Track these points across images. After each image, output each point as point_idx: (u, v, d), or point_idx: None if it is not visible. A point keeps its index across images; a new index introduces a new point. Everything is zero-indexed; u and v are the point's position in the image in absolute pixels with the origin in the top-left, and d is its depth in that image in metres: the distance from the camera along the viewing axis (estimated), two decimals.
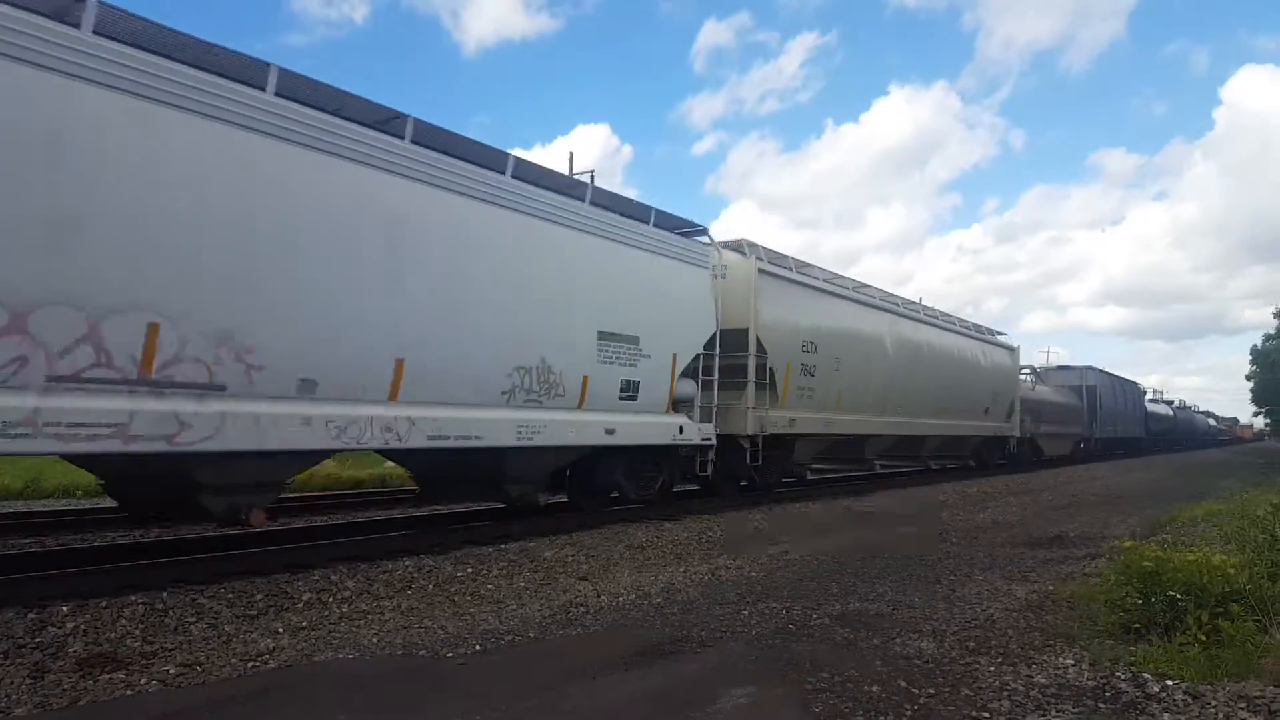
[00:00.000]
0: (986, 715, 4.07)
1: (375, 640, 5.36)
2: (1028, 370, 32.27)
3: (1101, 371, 39.43)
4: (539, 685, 4.44)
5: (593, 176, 11.57)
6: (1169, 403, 65.17)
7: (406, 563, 7.47)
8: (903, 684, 4.51)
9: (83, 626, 5.22)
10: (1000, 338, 24.77)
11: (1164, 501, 15.06)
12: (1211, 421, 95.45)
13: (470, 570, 7.43)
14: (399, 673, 4.72)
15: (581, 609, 6.26)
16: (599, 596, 6.66)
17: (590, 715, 4.02)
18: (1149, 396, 53.96)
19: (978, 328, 23.13)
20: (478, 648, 5.20)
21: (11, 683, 4.35)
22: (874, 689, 4.42)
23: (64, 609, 5.46)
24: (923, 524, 11.92)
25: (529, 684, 4.46)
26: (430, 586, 6.89)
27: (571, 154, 16.77)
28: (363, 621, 5.83)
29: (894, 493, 16.44)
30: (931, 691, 4.40)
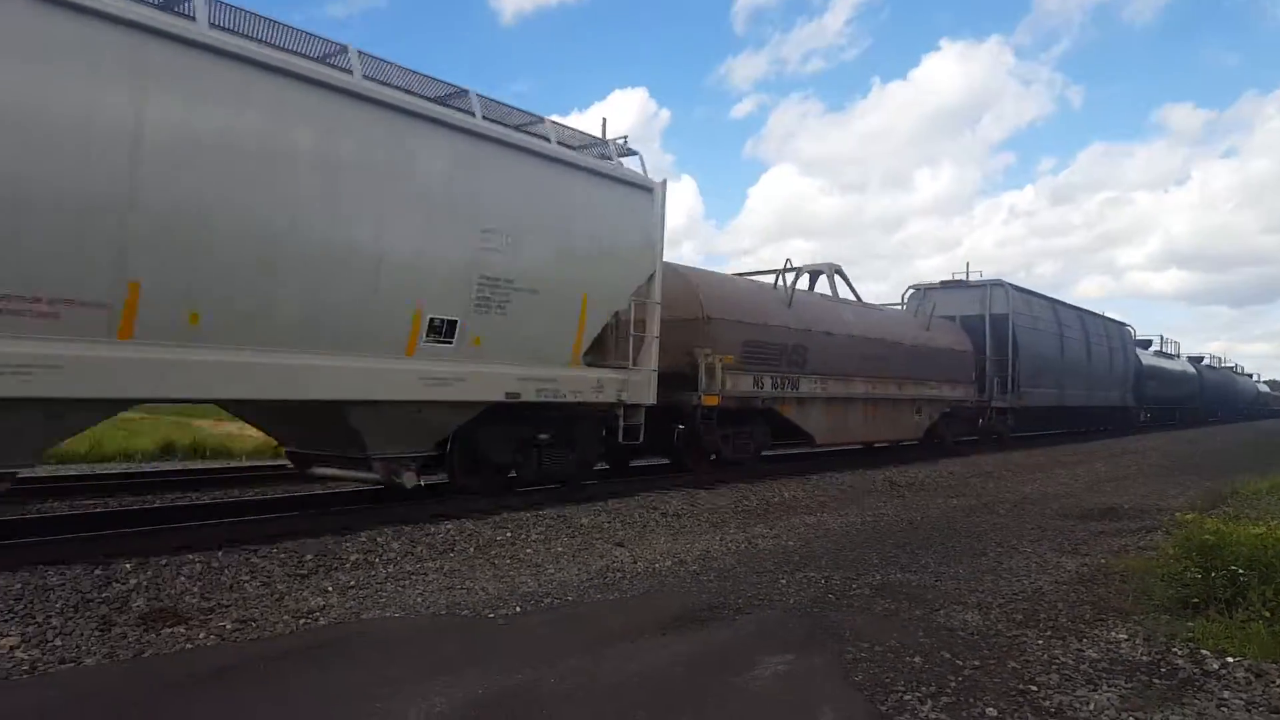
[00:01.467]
0: (1034, 689, 4.00)
1: (420, 600, 5.46)
2: (828, 270, 16.23)
3: (1025, 292, 22.72)
4: (578, 647, 4.48)
5: (626, 140, 10.63)
6: (1196, 359, 47.92)
7: (448, 526, 7.60)
8: (946, 655, 4.46)
9: (144, 583, 5.42)
10: (618, 163, 9.74)
11: (1226, 473, 14.60)
12: (1263, 387, 76.76)
13: (509, 534, 7.52)
14: (443, 631, 4.81)
15: (618, 574, 6.30)
16: (635, 563, 6.70)
17: (628, 678, 4.04)
18: (1154, 348, 39.03)
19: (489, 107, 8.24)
20: (518, 609, 5.27)
21: (81, 634, 4.53)
22: (916, 660, 4.37)
23: (127, 566, 5.66)
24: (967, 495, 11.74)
25: (568, 645, 4.51)
26: (471, 549, 6.99)
27: (605, 120, 16.14)
28: (407, 582, 5.94)
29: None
30: (976, 664, 4.34)
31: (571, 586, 5.89)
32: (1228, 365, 59.81)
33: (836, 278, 16.35)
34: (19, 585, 5.12)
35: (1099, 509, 10.40)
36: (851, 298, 16.62)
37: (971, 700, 3.83)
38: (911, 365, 16.21)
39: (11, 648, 4.27)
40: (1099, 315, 29.07)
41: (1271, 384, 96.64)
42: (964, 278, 22.46)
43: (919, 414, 16.78)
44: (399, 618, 5.08)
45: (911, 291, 22.20)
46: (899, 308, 20.39)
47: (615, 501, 9.39)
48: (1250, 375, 69.76)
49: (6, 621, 4.62)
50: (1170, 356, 40.52)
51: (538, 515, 8.35)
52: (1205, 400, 44.51)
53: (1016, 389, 20.60)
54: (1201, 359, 49.91)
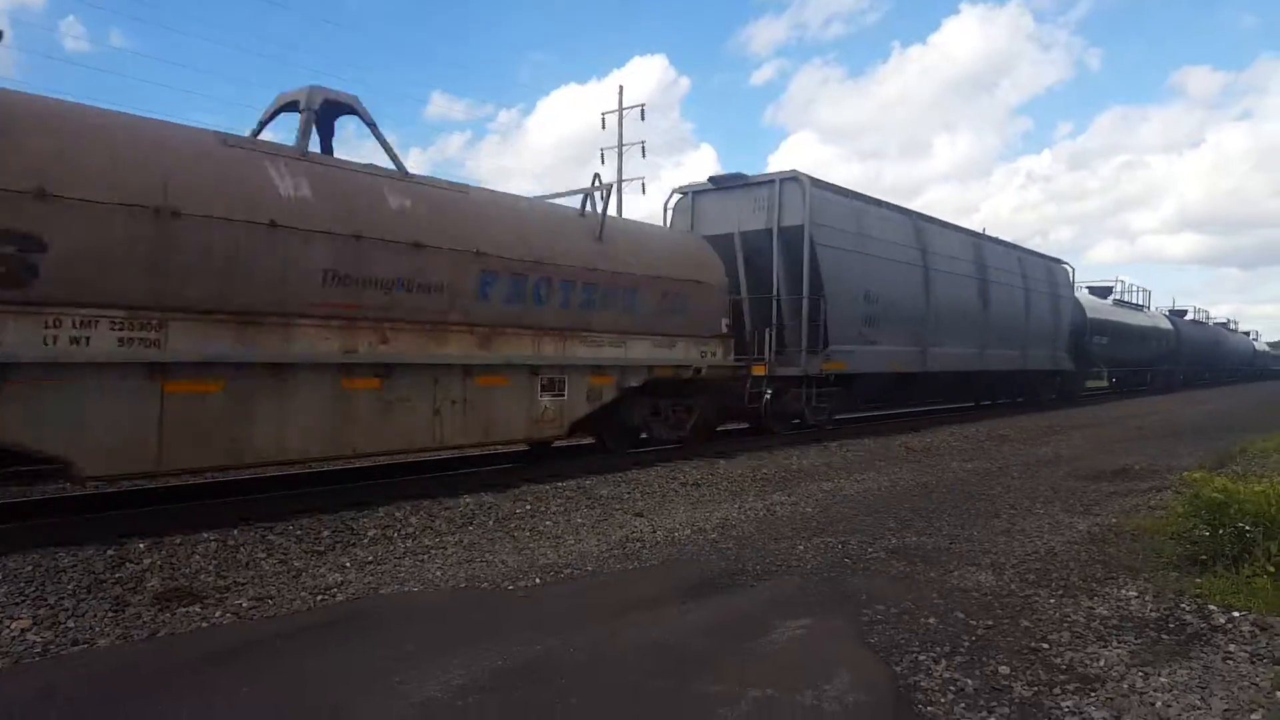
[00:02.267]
0: (1046, 646, 4.04)
1: (439, 574, 5.52)
2: (304, 105, 7.55)
3: (847, 195, 14.43)
4: (597, 617, 4.53)
5: (643, 111, 10.84)
6: (1177, 313, 41.21)
7: (467, 500, 7.65)
8: (960, 616, 4.49)
9: (159, 563, 5.47)
10: None
11: (1233, 434, 14.57)
12: (1262, 346, 67.99)
13: (529, 507, 7.58)
14: (463, 604, 4.86)
15: (638, 544, 6.35)
16: (654, 532, 6.74)
17: (647, 646, 4.09)
18: (1115, 296, 32.37)
19: None
20: (537, 581, 5.32)
21: (95, 616, 4.55)
22: (931, 621, 4.41)
23: (141, 546, 5.72)
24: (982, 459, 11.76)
25: (588, 616, 4.56)
26: (490, 522, 7.05)
27: (621, 88, 15.53)
28: (426, 556, 6.00)
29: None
30: (990, 623, 4.38)
31: (591, 557, 5.94)
32: (1220, 321, 52.69)
33: (342, 114, 8.09)
34: (30, 567, 5.17)
35: (1111, 470, 10.41)
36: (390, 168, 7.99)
37: (984, 659, 3.87)
38: (549, 302, 8.94)
39: (23, 630, 4.29)
40: (1013, 246, 21.12)
41: (1275, 344, 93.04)
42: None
43: (554, 393, 9.08)
44: (418, 592, 5.13)
45: (676, 198, 14.49)
46: (562, 202, 10.68)
47: (635, 472, 9.46)
48: (1248, 333, 63.71)
49: (18, 604, 4.65)
50: (1136, 307, 33.21)
51: (557, 487, 8.41)
52: (1184, 360, 37.78)
53: (821, 346, 12.88)
54: (1184, 313, 43.24)
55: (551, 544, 6.38)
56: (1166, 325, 35.48)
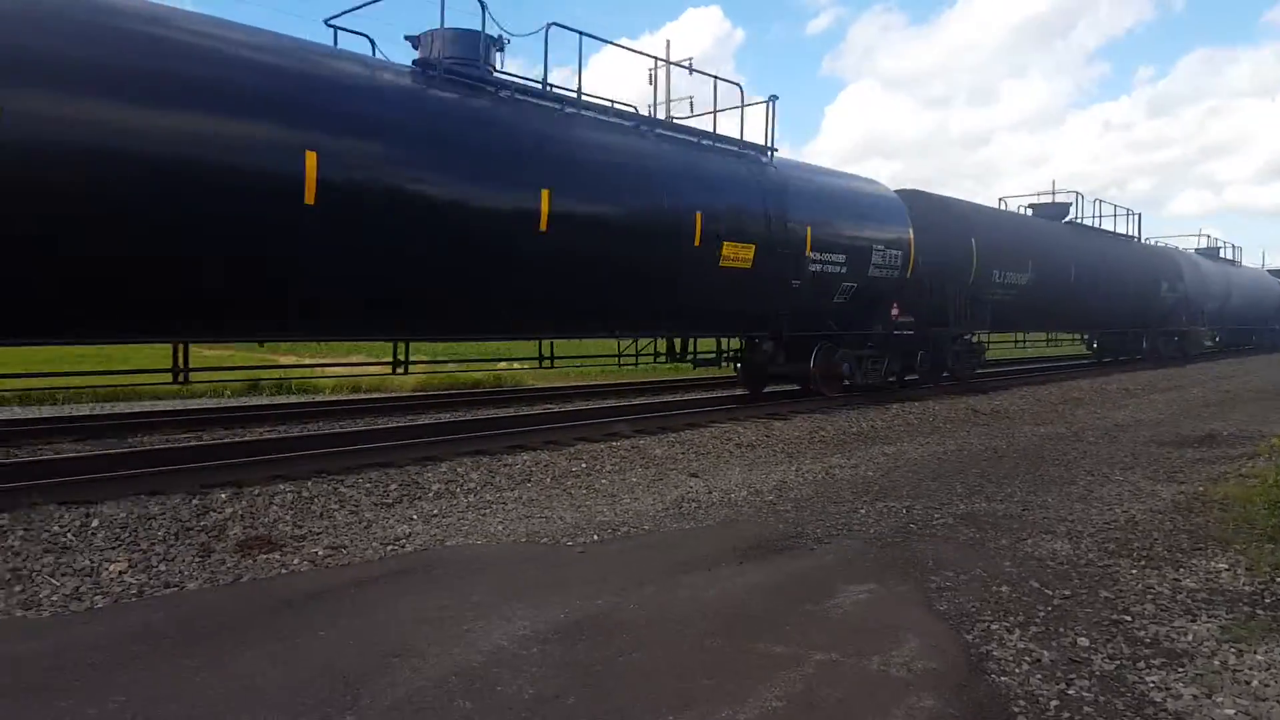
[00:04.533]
0: (1128, 619, 3.87)
1: (500, 528, 5.59)
2: None
3: None
4: (655, 574, 4.52)
5: (691, 65, 10.47)
6: (1055, 212, 19.67)
7: (525, 457, 7.73)
8: (1035, 585, 4.34)
9: (240, 512, 5.67)
10: None
11: None
12: None
13: (584, 465, 7.61)
14: (524, 558, 4.92)
15: (693, 504, 6.32)
16: (710, 493, 6.70)
17: (706, 605, 4.06)
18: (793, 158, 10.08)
19: None
20: (595, 537, 5.34)
21: (183, 561, 4.77)
22: (1003, 589, 4.27)
23: (223, 496, 5.93)
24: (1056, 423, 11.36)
25: (645, 573, 4.55)
26: (548, 480, 7.11)
27: (669, 41, 14.65)
28: (488, 510, 6.08)
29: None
30: (1067, 593, 4.21)
31: (647, 516, 5.94)
32: (1210, 247, 31.04)
33: None
34: (124, 514, 5.41)
35: (1195, 436, 9.94)
36: None
37: (1062, 630, 3.72)
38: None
39: (120, 572, 4.53)
40: None
41: None
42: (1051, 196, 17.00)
43: None
44: (481, 545, 5.21)
45: None
46: None
47: (689, 433, 9.41)
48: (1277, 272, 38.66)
49: (114, 548, 4.90)
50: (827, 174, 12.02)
51: (611, 447, 8.42)
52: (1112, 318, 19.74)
53: None
54: (1064, 211, 20.10)
55: (608, 502, 6.39)
56: (883, 235, 12.56)
